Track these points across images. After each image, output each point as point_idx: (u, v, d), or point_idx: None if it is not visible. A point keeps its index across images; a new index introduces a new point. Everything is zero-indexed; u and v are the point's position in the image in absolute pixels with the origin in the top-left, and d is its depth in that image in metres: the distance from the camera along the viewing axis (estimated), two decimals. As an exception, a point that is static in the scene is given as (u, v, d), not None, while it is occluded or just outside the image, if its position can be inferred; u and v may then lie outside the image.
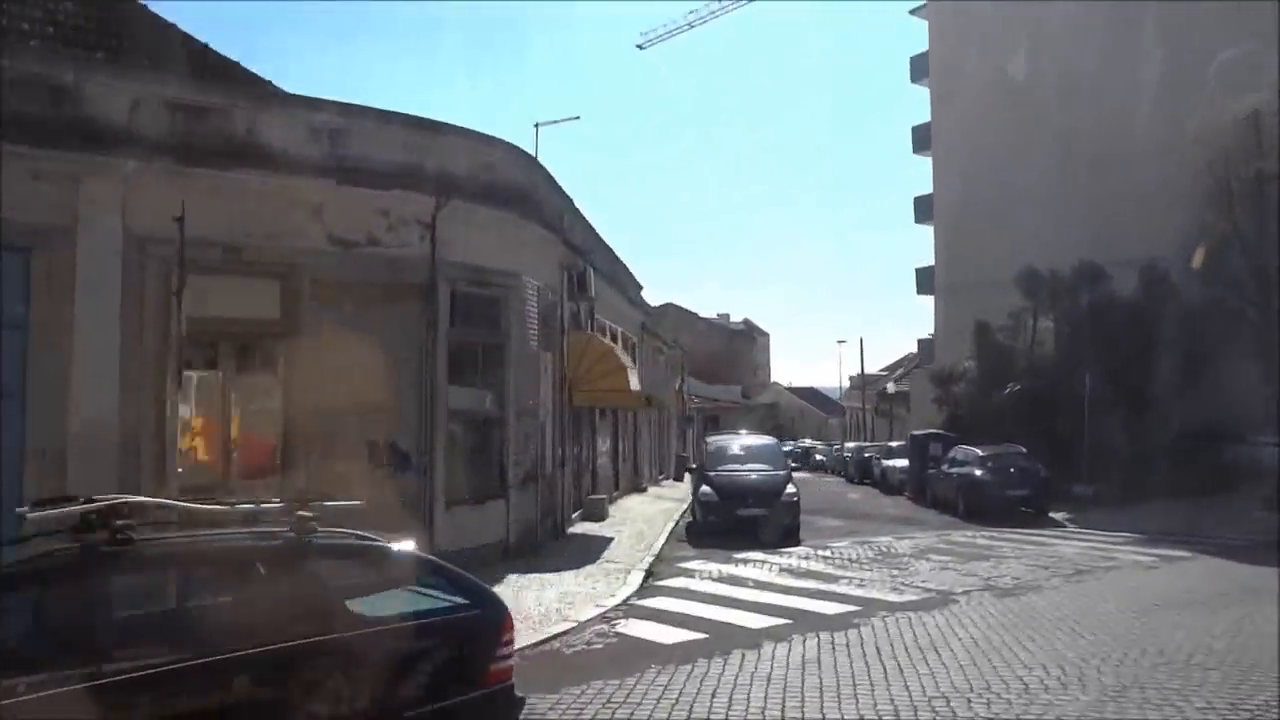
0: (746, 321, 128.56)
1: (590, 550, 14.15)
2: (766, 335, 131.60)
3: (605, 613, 9.99)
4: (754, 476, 16.68)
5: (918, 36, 40.79)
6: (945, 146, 38.20)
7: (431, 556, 5.08)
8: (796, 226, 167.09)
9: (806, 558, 13.92)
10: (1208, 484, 20.52)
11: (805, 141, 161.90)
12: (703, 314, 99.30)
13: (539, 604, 10.24)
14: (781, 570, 12.77)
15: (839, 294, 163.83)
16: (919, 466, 24.19)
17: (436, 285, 11.39)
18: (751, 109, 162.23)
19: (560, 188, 15.46)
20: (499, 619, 4.81)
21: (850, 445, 41.38)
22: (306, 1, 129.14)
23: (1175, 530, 16.69)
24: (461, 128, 11.78)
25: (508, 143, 12.53)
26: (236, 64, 11.60)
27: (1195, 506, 19.72)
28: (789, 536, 15.93)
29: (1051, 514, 20.00)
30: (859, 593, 10.90)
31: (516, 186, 12.84)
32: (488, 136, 12.18)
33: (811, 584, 11.59)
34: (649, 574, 12.58)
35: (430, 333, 11.29)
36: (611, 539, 15.60)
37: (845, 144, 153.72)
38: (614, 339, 22.61)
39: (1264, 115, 18.43)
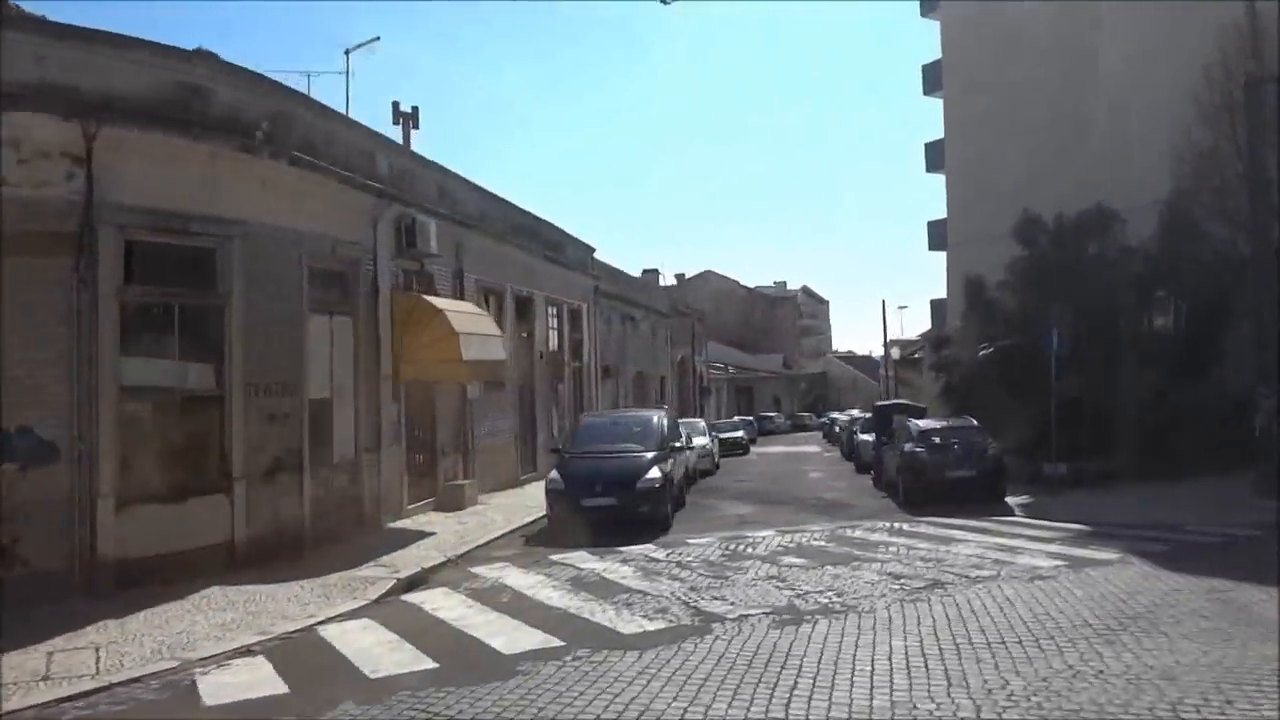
0: (805, 289, 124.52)
1: (378, 549, 11.94)
2: (825, 303, 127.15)
3: (251, 645, 7.77)
4: (609, 460, 14.13)
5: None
6: (956, 87, 34.36)
7: None
8: (843, 190, 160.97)
9: (630, 560, 11.40)
10: (1231, 459, 17.15)
11: (826, 105, 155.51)
12: (749, 282, 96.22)
13: (181, 633, 8.07)
14: (570, 580, 10.29)
15: (898, 258, 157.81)
16: (879, 442, 21.20)
17: (95, 234, 9.18)
18: (766, 66, 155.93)
19: (359, 124, 13.13)
20: None
21: (850, 416, 38.17)
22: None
23: (1145, 520, 13.65)
24: (131, 38, 9.50)
25: (219, 59, 10.20)
26: None
27: (1197, 488, 16.52)
28: (649, 529, 13.43)
29: (1011, 498, 16.98)
30: (603, 618, 8.37)
31: (239, 114, 10.51)
32: (178, 50, 9.88)
33: (576, 602, 9.13)
34: (414, 583, 10.38)
35: (87, 293, 9.10)
36: (433, 534, 13.36)
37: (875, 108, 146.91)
38: (523, 304, 20.28)
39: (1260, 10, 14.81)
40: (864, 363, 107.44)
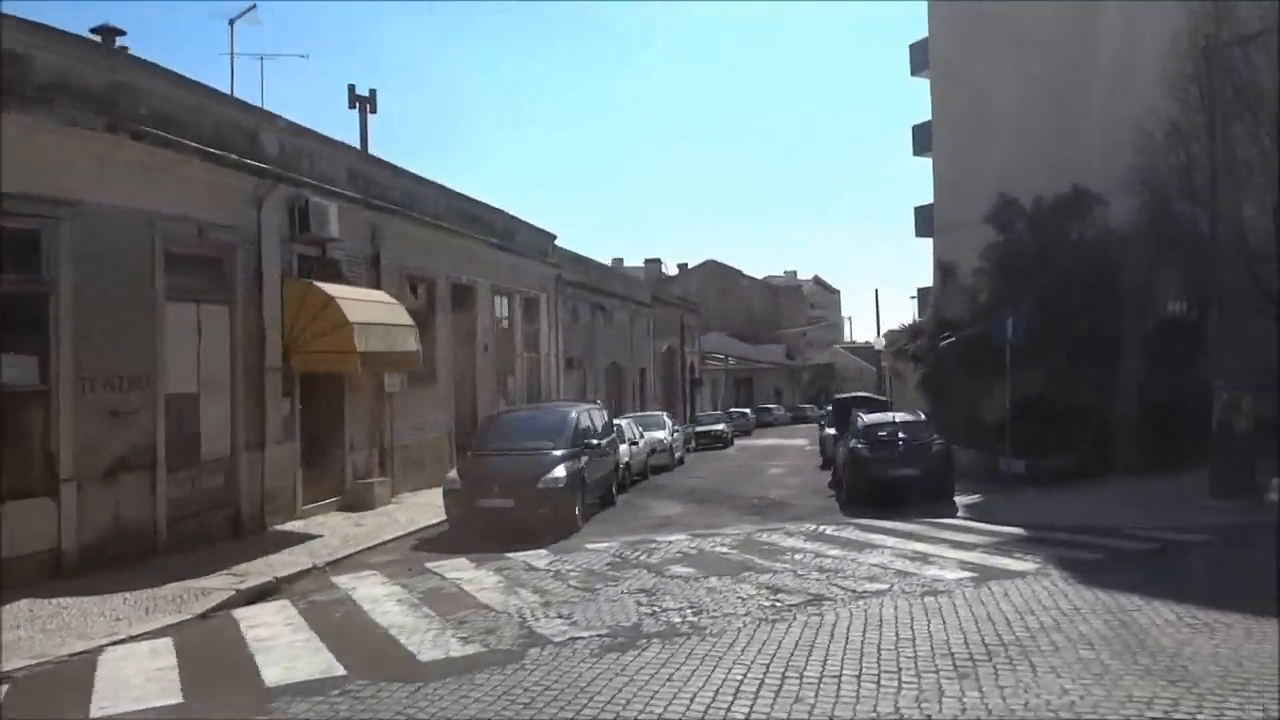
0: (816, 279, 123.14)
1: (247, 554, 11.14)
2: (836, 293, 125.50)
3: (11, 672, 6.94)
4: (511, 458, 13.21)
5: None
6: (941, 67, 33.04)
7: None
8: (850, 176, 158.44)
9: (505, 569, 10.48)
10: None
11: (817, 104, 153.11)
12: (759, 273, 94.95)
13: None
14: (424, 593, 9.38)
15: (909, 245, 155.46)
16: (835, 437, 20.19)
17: (-118, 213, 8.35)
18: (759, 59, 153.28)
19: (236, 99, 12.26)
20: None
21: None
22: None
23: (1091, 522, 12.67)
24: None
25: (29, 22, 9.30)
26: None
27: (1161, 485, 15.44)
28: (550, 532, 12.50)
29: (962, 497, 15.97)
30: (414, 641, 7.45)
31: (68, 84, 9.64)
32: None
33: (408, 620, 8.24)
34: (263, 594, 9.60)
35: (-127, 278, 8.28)
36: (319, 537, 12.54)
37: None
38: (462, 292, 19.42)
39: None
40: (871, 354, 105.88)
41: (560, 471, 12.87)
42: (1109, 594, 8.38)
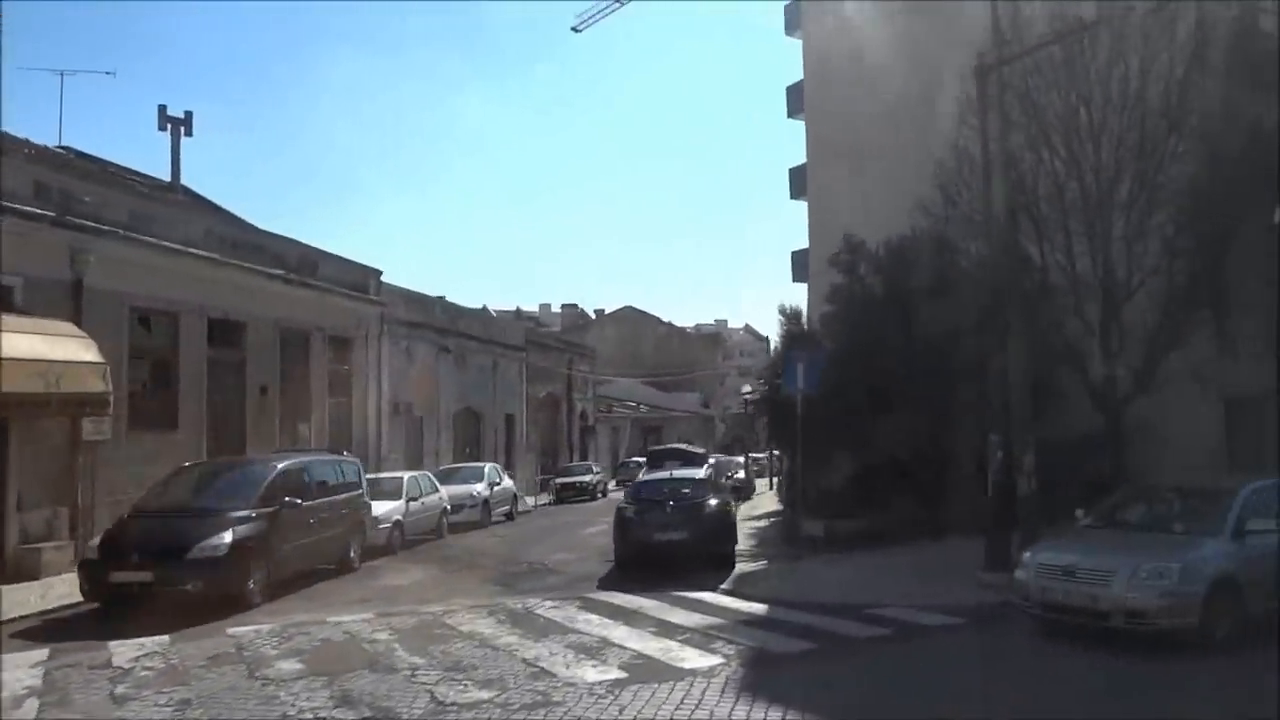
0: (747, 327, 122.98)
1: None
2: (765, 340, 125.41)
3: None
4: (167, 522, 11.04)
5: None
6: (815, 110, 32.13)
7: None
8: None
9: (72, 666, 8.33)
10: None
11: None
12: (686, 322, 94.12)
13: None
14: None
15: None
16: (643, 493, 18.31)
17: None
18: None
19: None
20: None
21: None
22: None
23: (847, 598, 11.04)
24: None
25: None
26: None
27: (949, 552, 13.80)
28: (206, 611, 10.34)
29: (749, 564, 14.24)
30: None
31: None
32: None
33: None
34: None
35: None
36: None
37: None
38: (227, 329, 17.30)
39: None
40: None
41: (225, 538, 10.71)
42: (764, 708, 6.72)
